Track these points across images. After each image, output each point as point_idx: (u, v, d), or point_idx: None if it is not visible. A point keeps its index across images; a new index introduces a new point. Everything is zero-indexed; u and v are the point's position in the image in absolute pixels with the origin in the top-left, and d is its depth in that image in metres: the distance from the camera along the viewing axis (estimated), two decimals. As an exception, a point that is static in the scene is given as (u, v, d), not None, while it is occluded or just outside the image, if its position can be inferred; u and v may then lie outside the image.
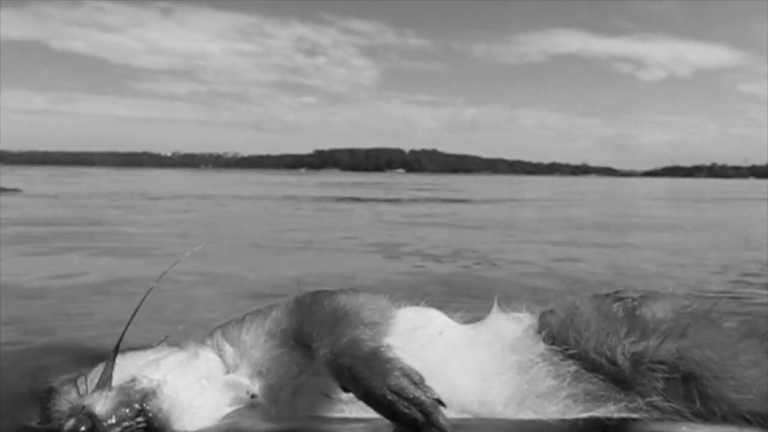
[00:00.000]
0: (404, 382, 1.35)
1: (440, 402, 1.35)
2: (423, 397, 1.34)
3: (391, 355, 1.41)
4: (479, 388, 1.49)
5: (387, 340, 1.48)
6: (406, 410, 1.33)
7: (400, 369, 1.37)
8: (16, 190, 15.67)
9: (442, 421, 1.33)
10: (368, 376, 1.36)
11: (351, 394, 1.44)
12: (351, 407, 1.51)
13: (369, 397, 1.36)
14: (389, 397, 1.33)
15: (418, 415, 1.32)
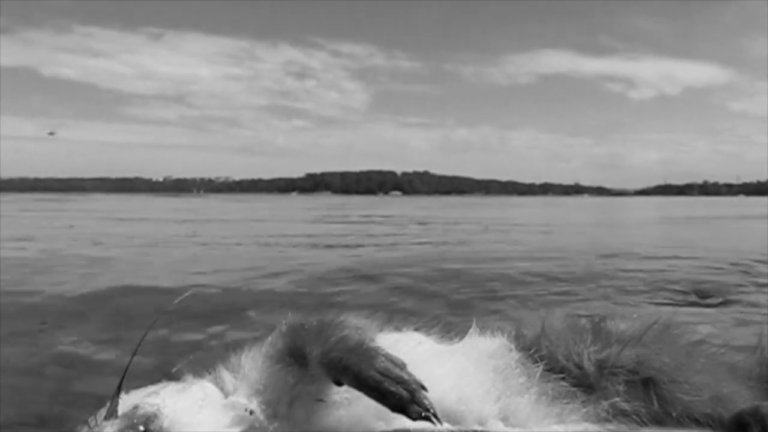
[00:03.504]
0: (389, 365, 1.50)
1: (422, 386, 1.50)
2: (407, 377, 1.49)
3: (375, 344, 1.57)
4: (457, 385, 1.64)
5: (370, 338, 1.64)
6: (392, 388, 1.47)
7: (385, 355, 1.53)
8: None
9: (425, 400, 1.48)
10: (356, 361, 1.51)
11: (343, 396, 1.60)
12: (342, 411, 1.63)
13: (359, 381, 1.50)
14: (377, 378, 1.48)
15: (404, 394, 1.47)
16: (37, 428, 2.02)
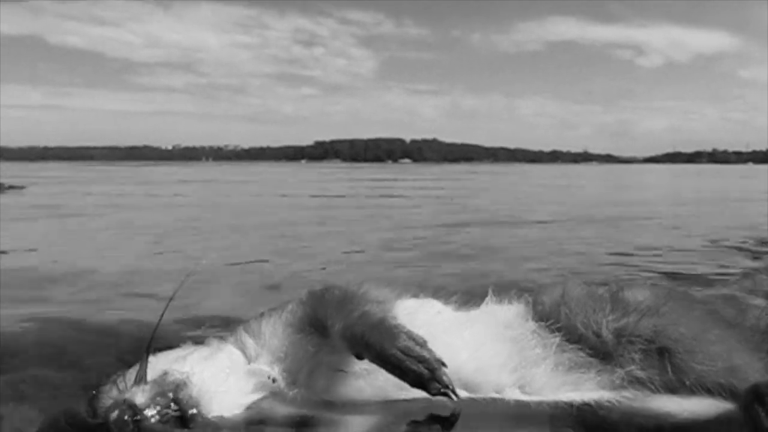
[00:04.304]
0: (411, 343, 1.55)
1: (442, 363, 1.55)
2: (428, 355, 1.54)
3: (397, 322, 1.61)
4: (475, 356, 1.68)
5: (392, 314, 1.67)
6: (413, 367, 1.53)
7: (407, 333, 1.57)
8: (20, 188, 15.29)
9: (444, 377, 1.54)
10: (379, 339, 1.55)
11: (362, 367, 1.64)
12: (362, 381, 1.68)
13: (381, 358, 1.56)
14: (398, 356, 1.53)
15: (424, 371, 1.53)
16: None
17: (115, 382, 1.63)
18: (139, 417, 1.50)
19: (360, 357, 1.62)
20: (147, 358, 1.63)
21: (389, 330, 1.58)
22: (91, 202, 10.87)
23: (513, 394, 1.66)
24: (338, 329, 1.62)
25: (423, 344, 1.57)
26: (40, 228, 6.59)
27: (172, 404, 1.54)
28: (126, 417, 1.49)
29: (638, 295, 1.73)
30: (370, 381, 1.66)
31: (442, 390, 1.54)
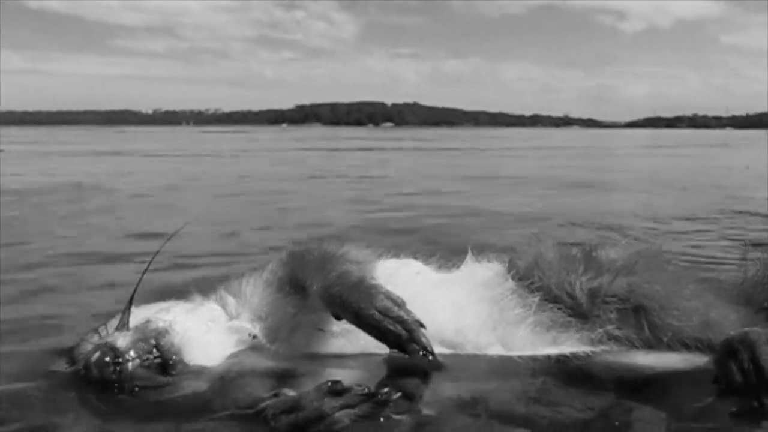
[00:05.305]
0: (389, 304, 1.55)
1: (420, 323, 1.56)
2: (406, 316, 1.55)
3: (375, 282, 1.61)
4: (455, 317, 1.68)
5: (371, 275, 1.67)
6: (391, 327, 1.53)
7: (385, 293, 1.57)
8: None
9: (422, 338, 1.55)
10: (357, 299, 1.55)
11: (343, 326, 1.65)
12: (342, 339, 1.68)
13: (358, 318, 1.56)
14: (376, 317, 1.54)
15: (402, 332, 1.53)
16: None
17: (97, 330, 1.63)
18: (119, 360, 1.49)
19: (338, 317, 1.62)
20: (130, 307, 1.62)
21: (367, 290, 1.57)
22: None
23: (494, 352, 1.67)
24: (317, 289, 1.62)
25: (401, 305, 1.57)
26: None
27: (154, 350, 1.54)
28: (107, 359, 1.49)
29: (612, 254, 1.73)
30: (351, 339, 1.67)
31: (420, 351, 1.54)
